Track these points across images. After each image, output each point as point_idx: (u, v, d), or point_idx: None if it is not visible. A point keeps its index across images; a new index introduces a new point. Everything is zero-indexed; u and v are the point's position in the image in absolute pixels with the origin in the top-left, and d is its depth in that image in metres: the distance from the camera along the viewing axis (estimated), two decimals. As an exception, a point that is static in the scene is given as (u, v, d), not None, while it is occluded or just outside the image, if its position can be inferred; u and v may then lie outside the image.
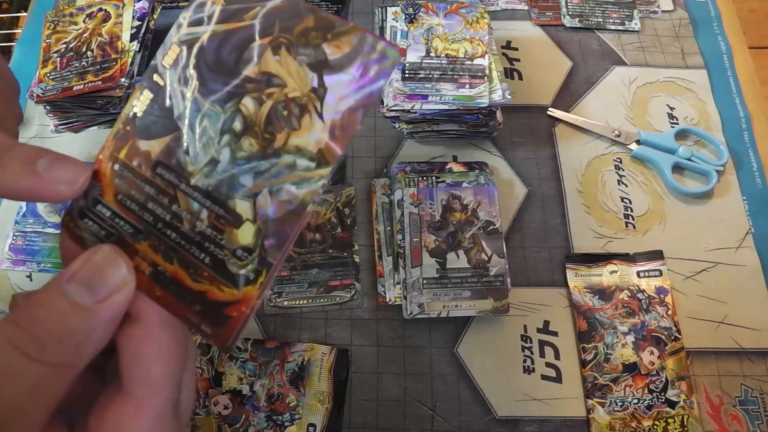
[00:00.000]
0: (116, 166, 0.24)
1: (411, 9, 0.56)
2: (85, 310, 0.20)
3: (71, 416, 0.22)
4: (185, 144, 0.23)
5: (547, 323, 0.49)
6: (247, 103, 0.23)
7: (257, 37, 0.23)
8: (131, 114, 0.24)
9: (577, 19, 0.63)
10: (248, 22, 0.23)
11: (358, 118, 0.22)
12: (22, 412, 0.19)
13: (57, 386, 0.20)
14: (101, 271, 0.21)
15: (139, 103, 0.24)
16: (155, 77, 0.24)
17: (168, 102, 0.24)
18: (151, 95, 0.24)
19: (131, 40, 0.56)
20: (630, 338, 0.47)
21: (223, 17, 0.23)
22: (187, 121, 0.23)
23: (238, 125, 0.23)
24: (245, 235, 0.22)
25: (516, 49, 0.62)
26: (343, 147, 0.22)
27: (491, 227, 0.50)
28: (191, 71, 0.23)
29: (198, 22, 0.24)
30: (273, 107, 0.23)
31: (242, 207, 0.22)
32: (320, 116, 0.22)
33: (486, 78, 0.52)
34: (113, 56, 0.55)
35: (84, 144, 0.56)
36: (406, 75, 0.53)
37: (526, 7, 0.64)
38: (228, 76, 0.23)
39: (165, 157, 0.23)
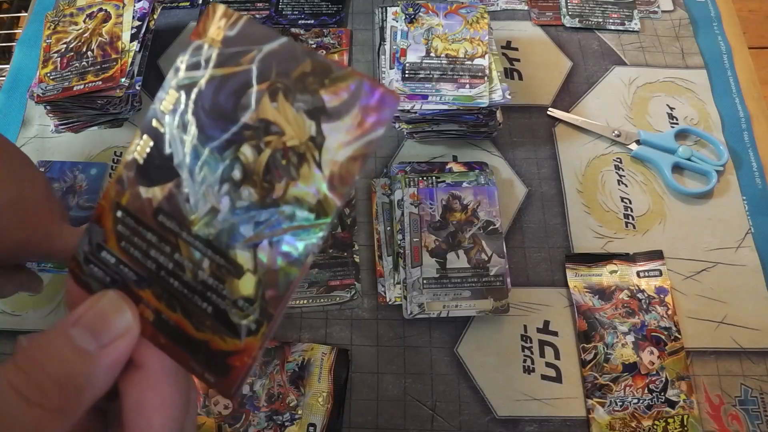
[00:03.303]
0: (119, 213, 0.24)
1: (411, 9, 0.56)
2: (88, 355, 0.20)
3: None
4: (186, 192, 0.23)
5: (547, 323, 0.49)
6: (246, 151, 0.22)
7: (254, 82, 0.22)
8: (132, 159, 0.24)
9: (577, 19, 0.63)
10: (245, 66, 0.22)
11: (357, 168, 0.21)
12: None
13: (56, 430, 0.20)
14: (106, 316, 0.21)
15: (140, 149, 0.24)
16: (154, 123, 0.23)
17: (168, 148, 0.23)
18: (151, 141, 0.23)
19: (131, 40, 0.56)
20: (630, 338, 0.47)
21: (220, 61, 0.23)
22: (187, 169, 0.23)
23: (237, 174, 0.22)
24: (246, 285, 0.22)
25: (516, 49, 0.62)
26: (341, 198, 0.21)
27: (491, 227, 0.50)
28: (190, 117, 0.23)
29: (195, 66, 0.23)
30: (271, 155, 0.22)
31: (243, 257, 0.22)
32: (318, 166, 0.21)
33: (486, 78, 0.52)
34: (113, 56, 0.55)
35: (84, 144, 0.56)
36: (406, 75, 0.53)
37: (526, 7, 0.64)
38: (226, 122, 0.22)
39: (166, 205, 0.23)
